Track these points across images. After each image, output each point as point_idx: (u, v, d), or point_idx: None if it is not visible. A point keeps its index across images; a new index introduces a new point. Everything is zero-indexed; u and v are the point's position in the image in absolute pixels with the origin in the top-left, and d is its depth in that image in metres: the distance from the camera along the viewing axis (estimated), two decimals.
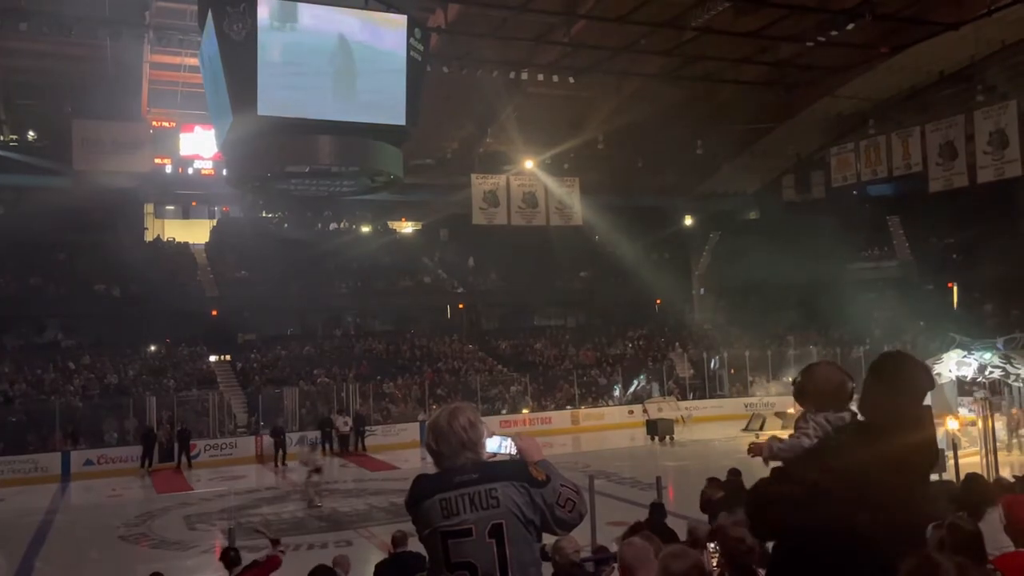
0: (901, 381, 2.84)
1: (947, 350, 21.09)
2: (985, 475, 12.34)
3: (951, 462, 14.08)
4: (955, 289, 33.96)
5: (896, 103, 32.46)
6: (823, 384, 3.08)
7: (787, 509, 2.78)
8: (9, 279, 32.19)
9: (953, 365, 20.44)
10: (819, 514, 2.68)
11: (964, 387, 21.97)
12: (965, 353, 20.34)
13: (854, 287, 34.21)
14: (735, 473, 10.34)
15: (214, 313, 33.83)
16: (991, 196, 30.16)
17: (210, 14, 19.37)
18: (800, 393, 3.15)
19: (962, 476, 13.09)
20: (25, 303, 31.75)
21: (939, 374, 19.66)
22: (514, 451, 3.04)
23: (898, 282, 36.40)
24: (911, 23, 25.72)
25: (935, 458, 2.93)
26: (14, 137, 31.74)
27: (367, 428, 27.90)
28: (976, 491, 5.28)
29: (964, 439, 18.23)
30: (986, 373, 20.21)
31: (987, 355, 20.11)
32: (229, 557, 8.67)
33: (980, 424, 17.57)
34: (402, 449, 26.82)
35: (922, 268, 36.88)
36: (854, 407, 3.02)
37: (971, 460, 16.53)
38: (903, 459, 2.73)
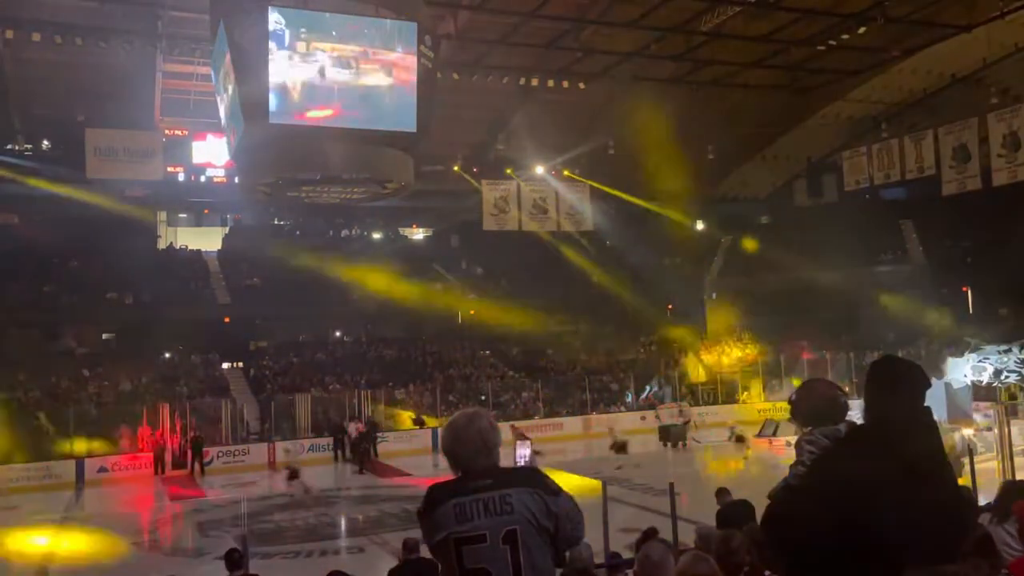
0: (891, 381, 2.83)
1: (962, 355, 20.91)
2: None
3: (967, 467, 13.94)
4: (970, 293, 33.64)
5: (908, 106, 32.33)
6: (816, 401, 3.20)
7: (800, 523, 2.74)
8: (23, 287, 32.37)
9: (968, 370, 20.25)
10: (833, 524, 2.64)
11: (980, 392, 21.74)
12: (981, 358, 20.15)
13: (867, 291, 33.94)
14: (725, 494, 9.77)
15: (226, 320, 33.94)
16: (1006, 199, 29.90)
17: (222, 24, 19.52)
18: (795, 412, 3.28)
19: (978, 482, 13.01)
20: (39, 311, 31.91)
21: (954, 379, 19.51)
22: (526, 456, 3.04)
23: (912, 286, 36.06)
24: (923, 26, 25.63)
25: (941, 459, 2.87)
26: (28, 146, 31.94)
27: (379, 434, 27.91)
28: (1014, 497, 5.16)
29: (980, 444, 18.07)
30: (1002, 378, 20.01)
31: (1003, 359, 19.91)
32: (233, 559, 8.65)
33: (996, 430, 17.42)
34: (414, 456, 26.80)
35: (936, 272, 36.52)
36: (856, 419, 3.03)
37: (987, 466, 16.37)
38: (906, 460, 2.69)
